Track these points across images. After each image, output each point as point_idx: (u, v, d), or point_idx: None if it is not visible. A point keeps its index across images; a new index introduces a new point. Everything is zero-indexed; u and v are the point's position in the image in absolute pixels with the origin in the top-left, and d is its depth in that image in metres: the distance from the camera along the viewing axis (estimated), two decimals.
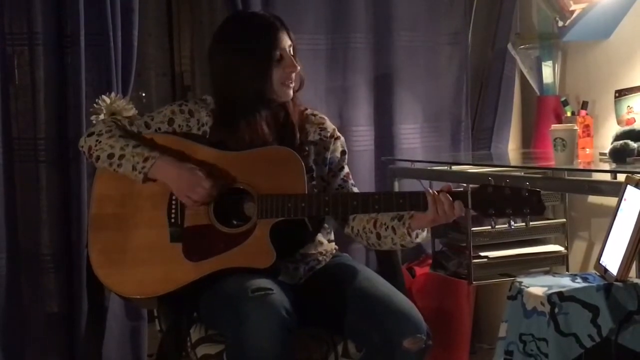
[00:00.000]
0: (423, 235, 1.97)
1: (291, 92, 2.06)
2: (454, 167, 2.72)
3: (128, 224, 1.99)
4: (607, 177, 2.12)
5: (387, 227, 1.98)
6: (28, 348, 2.59)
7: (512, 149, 3.27)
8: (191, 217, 1.97)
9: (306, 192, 1.95)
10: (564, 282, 1.80)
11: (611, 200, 1.97)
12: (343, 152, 2.16)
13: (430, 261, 3.05)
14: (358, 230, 2.05)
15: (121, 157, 1.95)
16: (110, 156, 1.96)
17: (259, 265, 1.92)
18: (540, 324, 1.74)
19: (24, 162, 2.56)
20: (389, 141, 3.09)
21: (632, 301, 1.73)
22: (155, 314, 2.14)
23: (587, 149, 2.79)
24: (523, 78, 3.23)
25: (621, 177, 1.96)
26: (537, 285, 1.80)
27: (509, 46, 3.15)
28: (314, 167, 2.09)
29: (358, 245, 2.82)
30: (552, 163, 2.39)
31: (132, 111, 2.20)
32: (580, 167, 2.42)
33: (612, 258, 1.80)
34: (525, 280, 1.85)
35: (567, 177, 2.35)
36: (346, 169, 2.15)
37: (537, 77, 3.10)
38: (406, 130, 3.11)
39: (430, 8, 3.14)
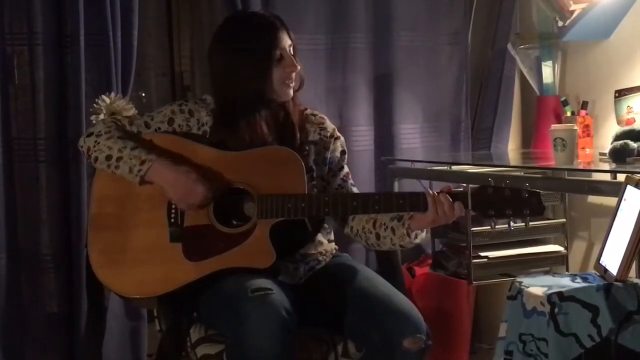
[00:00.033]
0: (422, 236, 1.97)
1: (291, 92, 2.06)
2: (454, 167, 2.73)
3: (128, 224, 1.99)
4: (607, 177, 2.12)
5: (387, 227, 1.98)
6: (28, 348, 2.59)
7: (512, 149, 3.27)
8: (191, 217, 1.97)
9: (306, 193, 1.95)
10: (564, 282, 1.80)
11: (611, 200, 1.97)
12: (343, 152, 2.16)
13: (430, 261, 3.05)
14: (357, 230, 2.05)
15: (119, 159, 1.95)
16: (108, 158, 1.96)
17: (259, 266, 1.92)
18: (540, 324, 1.74)
19: (24, 162, 2.56)
20: (388, 141, 3.09)
21: (632, 301, 1.73)
22: (155, 314, 2.14)
23: (587, 149, 2.79)
24: (523, 78, 3.23)
25: (621, 177, 1.96)
26: (537, 285, 1.80)
27: (509, 46, 3.15)
28: (314, 167, 2.09)
29: (358, 245, 2.82)
30: (552, 163, 2.39)
31: (131, 111, 2.20)
32: (580, 167, 2.42)
33: (612, 258, 1.80)
34: (525, 280, 1.85)
35: (567, 177, 2.35)
36: (346, 169, 2.15)
37: (537, 77, 3.10)
38: (406, 130, 3.12)
39: (430, 8, 3.14)
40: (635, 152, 2.34)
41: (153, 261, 1.96)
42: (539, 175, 2.53)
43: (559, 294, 1.72)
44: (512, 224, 1.88)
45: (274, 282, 1.89)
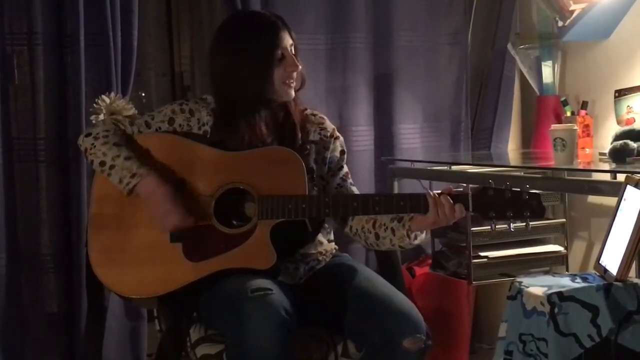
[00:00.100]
0: (422, 237, 1.97)
1: (293, 92, 2.05)
2: (454, 167, 2.73)
3: (128, 224, 1.99)
4: (606, 177, 2.12)
5: (387, 227, 1.98)
6: (28, 348, 2.59)
7: (511, 149, 3.27)
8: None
9: (307, 193, 1.95)
10: (564, 282, 1.80)
11: (611, 200, 1.97)
12: (342, 152, 2.16)
13: (430, 261, 3.05)
14: (357, 229, 2.05)
15: (111, 167, 1.95)
16: (102, 164, 1.97)
17: (259, 266, 1.92)
18: (540, 324, 1.74)
19: (24, 162, 2.56)
20: (388, 141, 3.09)
21: (632, 301, 1.73)
22: (155, 314, 2.14)
23: (587, 149, 2.79)
24: (523, 78, 3.23)
25: (621, 177, 1.96)
26: (536, 285, 1.80)
27: (509, 46, 3.15)
28: (314, 166, 2.09)
29: (358, 245, 2.82)
30: (551, 163, 2.39)
31: (131, 111, 2.20)
32: (580, 167, 2.42)
33: (612, 258, 1.80)
34: (525, 280, 1.85)
35: (566, 177, 2.35)
36: (345, 169, 2.15)
37: (537, 77, 3.10)
38: (406, 130, 3.12)
39: (430, 8, 3.14)
40: (635, 152, 2.34)
41: (153, 261, 1.96)
42: (539, 175, 2.53)
43: (559, 294, 1.72)
44: (512, 224, 1.88)
45: (274, 282, 1.89)
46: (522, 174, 2.52)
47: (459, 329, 2.95)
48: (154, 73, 3.56)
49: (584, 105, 2.89)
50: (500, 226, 1.90)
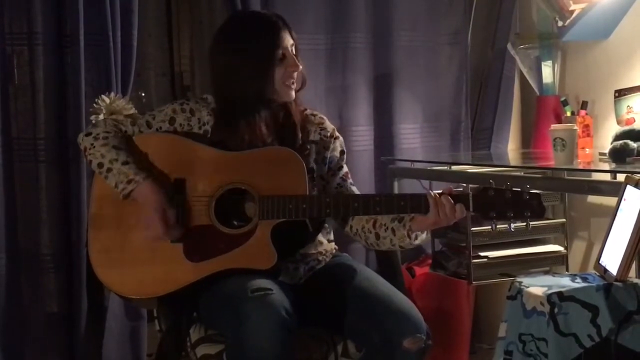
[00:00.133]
0: (422, 237, 1.97)
1: (293, 93, 2.05)
2: (454, 167, 2.73)
3: (128, 224, 1.98)
4: (606, 177, 2.12)
5: (387, 228, 1.98)
6: (28, 348, 2.59)
7: (511, 149, 3.27)
8: (192, 218, 1.97)
9: (307, 193, 1.95)
10: (564, 282, 1.80)
11: (611, 200, 1.97)
12: (342, 152, 2.16)
13: (430, 261, 3.05)
14: (357, 229, 2.05)
15: (108, 170, 1.95)
16: (100, 165, 1.97)
17: (260, 267, 1.92)
18: (539, 324, 1.74)
19: (24, 162, 2.56)
20: (388, 141, 3.09)
21: (632, 301, 1.73)
22: (155, 314, 2.14)
23: (587, 149, 2.79)
24: (523, 78, 3.23)
25: (621, 177, 1.96)
26: (536, 285, 1.80)
27: (509, 46, 3.15)
28: (314, 166, 2.09)
29: (358, 245, 2.82)
30: (551, 163, 2.39)
31: (131, 111, 2.20)
32: (580, 167, 2.42)
33: (612, 258, 1.80)
34: (525, 280, 1.85)
35: (566, 177, 2.35)
36: (345, 169, 2.15)
37: (537, 77, 3.10)
38: (406, 130, 3.12)
39: (430, 8, 3.14)
40: (635, 152, 2.34)
41: (153, 261, 1.96)
42: (539, 175, 2.54)
43: (559, 294, 1.72)
44: (512, 224, 1.88)
45: (274, 282, 1.89)
46: (522, 174, 2.52)
47: (459, 329, 2.95)
48: (153, 73, 3.56)
49: (584, 105, 2.89)
50: (501, 226, 1.90)
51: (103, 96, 2.21)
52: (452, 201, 1.86)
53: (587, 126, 2.82)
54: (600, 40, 2.91)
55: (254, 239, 1.93)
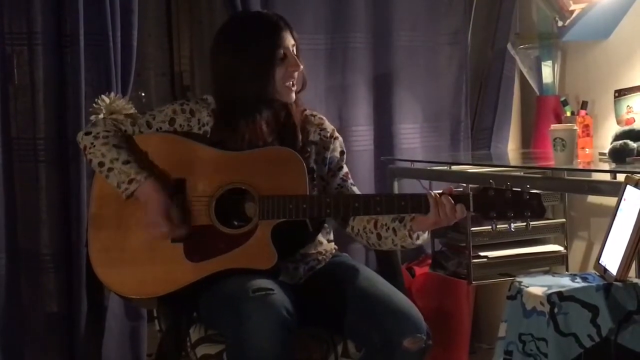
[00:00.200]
0: (424, 237, 1.97)
1: (294, 94, 2.05)
2: (454, 167, 2.73)
3: (128, 224, 1.98)
4: (606, 177, 2.12)
5: (388, 228, 1.98)
6: (28, 348, 2.59)
7: (511, 149, 3.27)
8: (192, 218, 1.97)
9: (307, 193, 1.95)
10: (564, 282, 1.80)
11: (611, 200, 1.97)
12: (342, 152, 2.16)
13: (429, 261, 3.05)
14: (358, 230, 2.05)
15: (110, 169, 1.95)
16: (101, 164, 1.97)
17: (260, 267, 1.92)
18: (539, 324, 1.74)
19: (24, 162, 2.56)
20: (388, 141, 3.09)
21: (632, 301, 1.73)
22: (155, 314, 2.14)
23: (587, 149, 2.79)
24: (522, 78, 3.23)
25: (621, 177, 1.96)
26: (536, 285, 1.80)
27: (509, 46, 3.15)
28: (314, 167, 2.09)
29: (358, 245, 2.82)
30: (551, 163, 2.39)
31: (131, 111, 2.19)
32: (580, 167, 2.42)
33: (612, 258, 1.80)
34: (525, 280, 1.85)
35: (566, 177, 2.36)
36: (345, 169, 2.15)
37: (537, 77, 3.10)
38: (406, 130, 3.12)
39: (429, 8, 3.14)
40: (635, 152, 2.34)
41: (154, 261, 1.96)
42: (539, 175, 2.54)
43: (559, 294, 1.72)
44: (512, 224, 1.88)
45: (275, 282, 1.89)
46: (522, 174, 2.52)
47: (458, 328, 2.95)
48: (153, 73, 3.56)
49: (584, 105, 2.89)
50: (501, 226, 1.90)
51: (103, 96, 2.21)
52: (453, 201, 1.86)
53: (587, 126, 2.82)
54: (600, 40, 2.91)
55: (254, 239, 1.93)
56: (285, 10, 2.67)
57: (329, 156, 2.13)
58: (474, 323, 3.05)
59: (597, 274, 1.85)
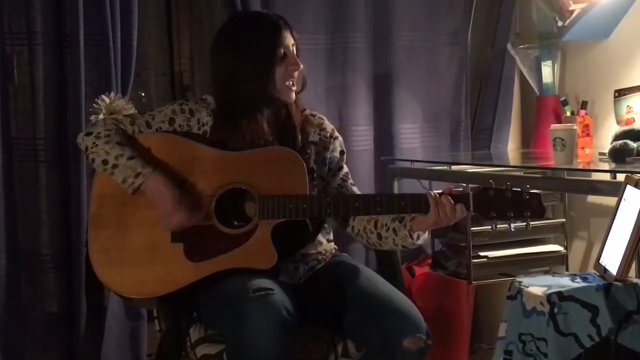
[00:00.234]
0: (424, 237, 1.97)
1: (294, 95, 2.05)
2: (454, 167, 2.73)
3: (128, 223, 1.98)
4: (606, 177, 2.12)
5: (388, 228, 1.98)
6: (28, 348, 2.59)
7: (511, 148, 3.27)
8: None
9: (308, 193, 1.95)
10: (564, 282, 1.80)
11: (611, 200, 1.97)
12: (342, 152, 2.16)
13: (429, 261, 3.05)
14: (358, 230, 2.05)
15: (114, 166, 1.94)
16: (105, 162, 1.96)
17: (260, 267, 1.92)
18: (539, 324, 1.74)
19: (24, 162, 2.56)
20: (388, 141, 3.09)
21: (632, 301, 1.73)
22: (155, 314, 2.14)
23: (587, 149, 2.79)
24: (522, 78, 3.23)
25: (621, 177, 1.96)
26: (536, 285, 1.80)
27: (509, 46, 3.15)
28: (314, 167, 2.09)
29: (358, 245, 2.82)
30: (551, 163, 2.39)
31: (131, 111, 2.20)
32: (580, 167, 2.42)
33: (612, 258, 1.80)
34: (525, 280, 1.85)
35: (566, 177, 2.36)
36: (345, 169, 2.15)
37: (537, 76, 3.10)
38: (406, 130, 3.12)
39: (429, 8, 3.14)
40: (635, 151, 2.34)
41: (153, 261, 1.96)
42: (539, 175, 2.54)
43: (559, 294, 1.72)
44: (512, 224, 1.88)
45: (275, 282, 1.89)
46: (522, 174, 2.52)
47: (458, 328, 2.95)
48: (153, 73, 3.56)
49: (584, 105, 2.89)
50: (501, 226, 1.90)
51: (103, 96, 2.21)
52: (453, 201, 1.86)
53: (586, 126, 2.83)
54: (600, 40, 2.91)
55: (254, 239, 1.93)
56: (285, 10, 2.67)
57: (328, 156, 2.13)
58: (474, 323, 3.05)
59: (597, 274, 1.85)
